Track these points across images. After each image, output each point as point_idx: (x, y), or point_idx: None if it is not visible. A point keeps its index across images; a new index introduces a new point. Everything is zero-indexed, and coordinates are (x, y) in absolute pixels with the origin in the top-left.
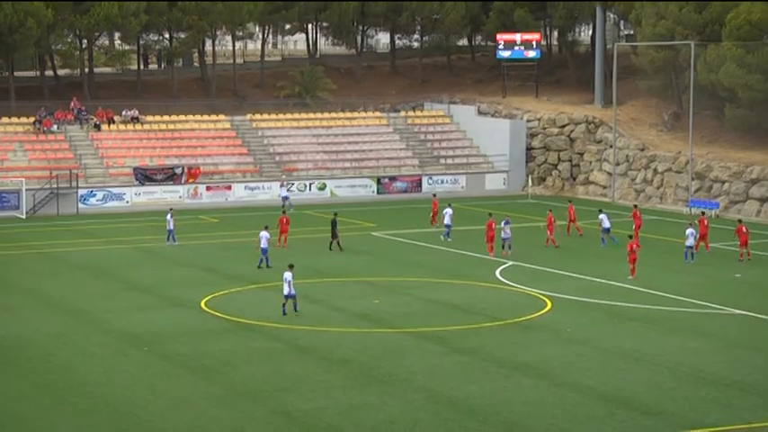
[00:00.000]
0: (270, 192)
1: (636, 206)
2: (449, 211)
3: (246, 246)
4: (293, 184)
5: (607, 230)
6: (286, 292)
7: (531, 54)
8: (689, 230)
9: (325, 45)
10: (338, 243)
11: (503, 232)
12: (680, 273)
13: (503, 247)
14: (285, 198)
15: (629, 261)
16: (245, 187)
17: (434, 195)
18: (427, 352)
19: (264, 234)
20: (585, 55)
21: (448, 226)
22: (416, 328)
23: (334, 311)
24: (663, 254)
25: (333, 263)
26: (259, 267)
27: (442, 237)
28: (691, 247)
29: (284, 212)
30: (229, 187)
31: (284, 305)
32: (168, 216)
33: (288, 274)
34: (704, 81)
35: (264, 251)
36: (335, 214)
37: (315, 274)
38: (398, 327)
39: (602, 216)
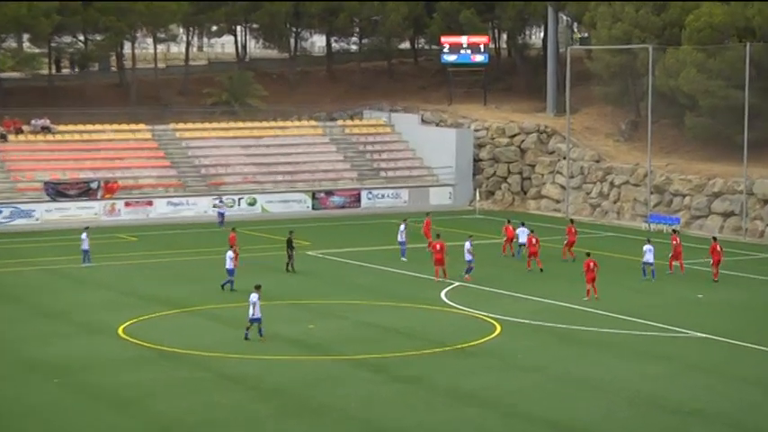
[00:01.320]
0: (195, 207)
1: (572, 221)
2: (402, 227)
3: (168, 266)
4: (221, 199)
5: (521, 245)
6: (251, 314)
7: (479, 58)
8: (646, 246)
9: (255, 48)
10: (291, 264)
11: (466, 254)
12: (638, 293)
13: (466, 271)
14: (221, 214)
15: (587, 280)
16: (168, 203)
17: (428, 214)
18: (365, 380)
19: (229, 254)
20: (537, 59)
21: (402, 243)
22: (354, 354)
23: (265, 337)
24: (620, 273)
25: (264, 285)
26: (232, 289)
27: (403, 258)
28: (649, 264)
29: (233, 229)
30: (150, 203)
31: (247, 329)
32: (83, 235)
33: (254, 296)
34: (663, 87)
35: (230, 272)
36: (291, 232)
37: (244, 296)
38: (334, 353)
39: (520, 230)
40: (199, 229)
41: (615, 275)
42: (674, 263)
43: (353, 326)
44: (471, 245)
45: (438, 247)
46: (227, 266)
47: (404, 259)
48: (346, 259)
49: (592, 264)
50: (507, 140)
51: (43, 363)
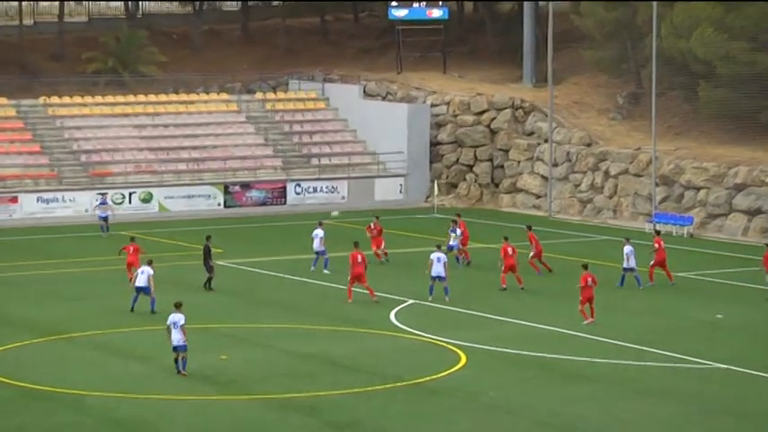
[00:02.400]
0: (73, 205)
1: (530, 227)
2: (319, 233)
3: (38, 281)
4: (105, 200)
5: (451, 248)
6: (177, 341)
7: (437, 13)
8: (627, 248)
9: (149, 1)
10: (210, 279)
11: (433, 267)
12: (641, 314)
13: (431, 290)
14: (104, 218)
15: (581, 300)
16: (39, 199)
17: (377, 218)
18: (294, 427)
19: (147, 270)
20: (510, 15)
21: (320, 253)
22: (279, 393)
23: (165, 372)
24: (617, 288)
25: (164, 303)
26: (153, 311)
27: (312, 268)
28: (631, 270)
29: (132, 239)
30: (15, 199)
31: (177, 360)
32: None
33: (177, 317)
34: (671, 50)
35: (143, 291)
36: (208, 238)
37: (136, 319)
38: (254, 392)
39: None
40: (78, 232)
41: (611, 291)
42: (654, 271)
43: (278, 356)
44: (442, 257)
45: (359, 258)
46: (141, 284)
47: (326, 271)
48: (268, 271)
49: (590, 279)
50: (473, 118)
51: None
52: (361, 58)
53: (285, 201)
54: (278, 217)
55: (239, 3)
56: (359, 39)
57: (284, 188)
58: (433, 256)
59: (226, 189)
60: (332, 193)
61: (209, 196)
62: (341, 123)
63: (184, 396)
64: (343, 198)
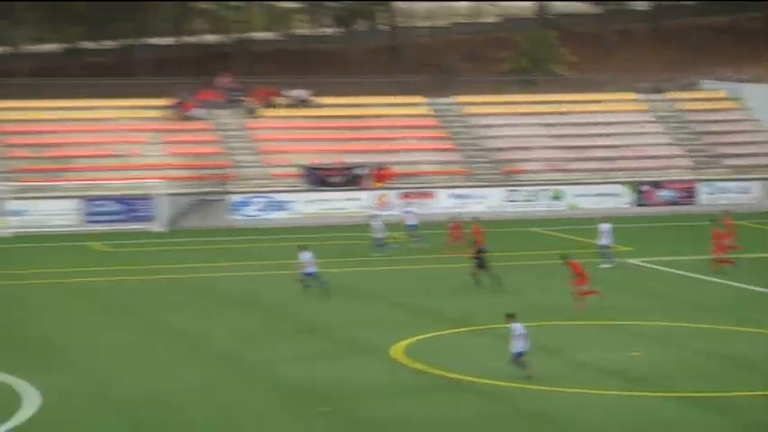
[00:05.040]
0: (485, 201)
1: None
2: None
3: (452, 274)
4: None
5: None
6: (522, 348)
7: None
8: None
9: (559, 1)
10: (490, 274)
11: None
12: None
13: None
14: (413, 227)
15: None
16: (451, 195)
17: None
18: (706, 427)
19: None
20: None
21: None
22: (691, 391)
23: (573, 366)
24: None
25: (568, 300)
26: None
27: (413, 244)
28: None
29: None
30: (430, 194)
31: (521, 366)
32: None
33: (519, 327)
34: None
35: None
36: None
37: (546, 313)
38: (665, 389)
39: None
40: (492, 228)
41: None
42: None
43: (693, 355)
44: None
45: (580, 266)
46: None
47: (420, 242)
48: (680, 270)
49: None
50: None
51: (304, 388)
52: None
53: (694, 200)
54: (688, 216)
55: (651, 2)
56: None
57: (693, 188)
58: None
59: (635, 188)
60: (743, 193)
61: (619, 195)
62: (753, 124)
63: (593, 390)
64: (754, 199)
